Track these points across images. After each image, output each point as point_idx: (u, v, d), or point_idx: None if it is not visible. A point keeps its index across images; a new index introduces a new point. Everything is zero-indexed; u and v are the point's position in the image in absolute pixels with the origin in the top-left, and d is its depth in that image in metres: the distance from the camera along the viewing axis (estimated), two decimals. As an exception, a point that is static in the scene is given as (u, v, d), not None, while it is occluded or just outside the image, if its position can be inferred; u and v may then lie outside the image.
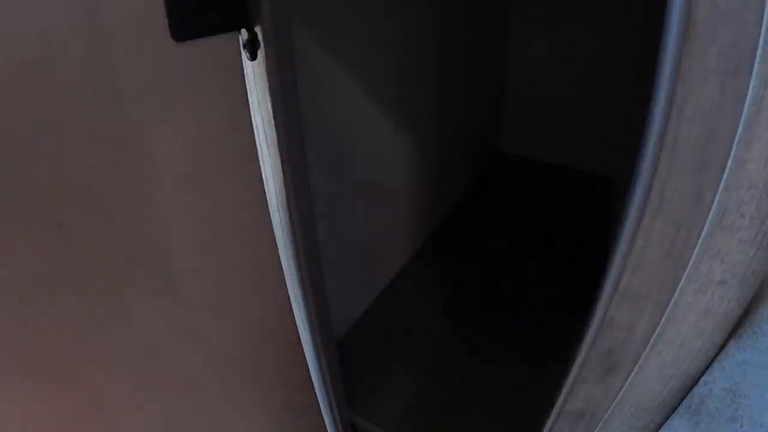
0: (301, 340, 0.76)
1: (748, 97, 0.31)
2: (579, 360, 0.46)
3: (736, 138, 0.32)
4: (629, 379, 0.45)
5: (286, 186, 0.52)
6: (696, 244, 0.36)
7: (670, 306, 0.39)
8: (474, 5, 1.17)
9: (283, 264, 0.64)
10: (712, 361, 0.43)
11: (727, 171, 0.33)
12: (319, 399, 0.80)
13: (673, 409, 0.47)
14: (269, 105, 0.46)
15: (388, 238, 1.07)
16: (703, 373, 0.44)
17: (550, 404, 0.53)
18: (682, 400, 0.46)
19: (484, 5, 1.24)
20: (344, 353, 0.93)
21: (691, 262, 0.37)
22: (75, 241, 0.42)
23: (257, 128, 0.49)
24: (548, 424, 0.54)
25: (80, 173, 0.41)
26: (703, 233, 0.36)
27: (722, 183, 0.34)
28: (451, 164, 1.29)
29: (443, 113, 1.15)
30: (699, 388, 0.44)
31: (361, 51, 0.79)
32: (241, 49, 0.43)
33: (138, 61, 0.41)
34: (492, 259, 1.17)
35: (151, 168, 0.47)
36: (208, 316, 0.60)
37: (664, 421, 0.49)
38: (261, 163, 0.52)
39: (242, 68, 0.46)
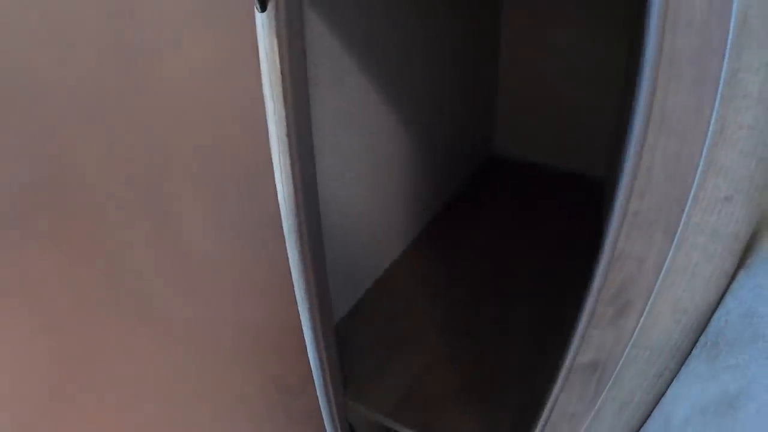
0: (301, 322, 0.75)
1: (734, 8, 0.32)
2: (589, 304, 0.46)
3: (727, 47, 0.33)
4: (641, 319, 0.45)
5: (290, 147, 0.53)
6: (700, 159, 0.37)
7: (679, 230, 0.39)
8: (468, 7, 1.21)
9: (285, 235, 0.64)
10: (724, 293, 0.43)
11: (722, 82, 0.34)
12: (315, 381, 0.78)
13: (687, 353, 0.47)
14: (277, 59, 0.47)
15: (386, 227, 1.07)
16: (716, 306, 0.44)
17: (560, 360, 0.53)
18: (696, 341, 0.46)
19: (477, 7, 1.28)
20: (341, 338, 0.92)
21: (696, 180, 0.37)
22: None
23: (266, 83, 0.50)
24: (558, 382, 0.53)
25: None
26: (705, 147, 0.36)
27: (719, 94, 0.35)
28: (445, 162, 1.31)
29: (439, 113, 1.18)
30: (714, 324, 0.44)
31: (363, 43, 0.82)
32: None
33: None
34: (486, 252, 1.17)
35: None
36: (209, 275, 0.59)
37: (679, 368, 0.48)
38: (267, 121, 0.53)
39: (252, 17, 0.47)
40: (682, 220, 0.39)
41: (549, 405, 0.56)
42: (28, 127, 0.39)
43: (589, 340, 0.48)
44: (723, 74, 0.34)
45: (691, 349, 0.47)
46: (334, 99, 0.78)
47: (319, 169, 0.79)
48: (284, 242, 0.66)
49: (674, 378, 0.49)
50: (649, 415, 0.53)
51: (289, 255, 0.69)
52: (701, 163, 0.37)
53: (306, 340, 0.74)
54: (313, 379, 0.78)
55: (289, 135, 0.51)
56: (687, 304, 0.43)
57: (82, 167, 0.44)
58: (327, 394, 0.77)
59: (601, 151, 1.53)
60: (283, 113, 0.50)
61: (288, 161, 0.56)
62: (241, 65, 0.54)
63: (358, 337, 0.94)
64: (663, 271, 0.41)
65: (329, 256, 0.84)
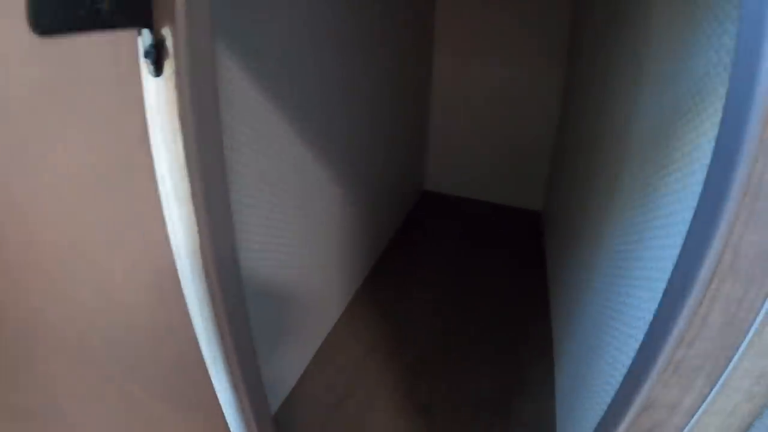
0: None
1: None
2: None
3: None
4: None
5: (204, 260, 0.38)
6: (763, 304, 0.29)
7: (724, 375, 0.32)
8: (398, 48, 1.11)
9: (202, 344, 0.49)
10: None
11: None
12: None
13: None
14: (180, 142, 0.32)
15: (321, 293, 0.93)
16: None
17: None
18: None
19: (408, 47, 1.20)
20: (283, 428, 0.77)
21: (755, 325, 0.30)
22: None
23: (162, 177, 0.34)
24: None
25: None
26: (768, 290, 0.29)
27: None
28: (382, 205, 1.21)
29: (370, 160, 1.09)
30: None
31: (289, 95, 0.67)
32: (141, 58, 0.29)
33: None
34: (432, 303, 1.09)
35: None
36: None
37: None
38: (168, 223, 0.37)
39: (141, 86, 0.31)
40: (731, 366, 0.31)
41: None
42: None
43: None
44: None
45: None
46: (258, 163, 0.62)
47: (246, 244, 0.63)
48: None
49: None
50: None
51: (205, 348, 0.53)
52: (764, 308, 0.29)
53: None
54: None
55: (204, 257, 0.36)
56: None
57: None
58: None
59: (537, 185, 1.53)
60: (189, 195, 0.34)
61: (201, 266, 0.41)
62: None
63: (303, 426, 0.79)
64: (697, 414, 0.34)
65: (260, 338, 0.69)
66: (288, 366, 0.84)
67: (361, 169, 1.04)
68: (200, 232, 0.35)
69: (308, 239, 0.83)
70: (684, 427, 0.35)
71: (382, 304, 1.09)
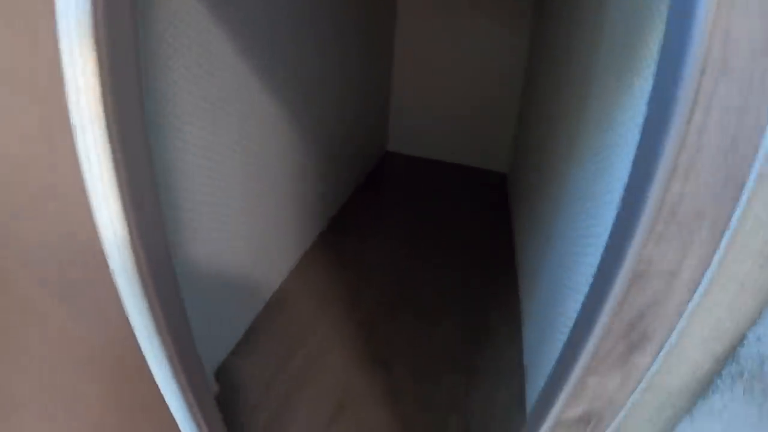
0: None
1: None
2: (592, 342, 0.31)
3: None
4: (662, 352, 0.31)
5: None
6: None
7: (732, 226, 0.26)
8: (363, 4, 1.09)
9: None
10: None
11: None
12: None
13: (706, 387, 0.34)
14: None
15: (274, 243, 0.88)
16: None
17: (538, 413, 0.38)
18: (720, 370, 0.33)
19: (375, 6, 1.20)
20: (227, 383, 0.70)
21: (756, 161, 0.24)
22: None
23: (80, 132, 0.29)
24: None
25: None
26: None
27: None
28: (341, 161, 1.16)
29: (333, 113, 1.06)
30: (751, 348, 0.31)
31: (259, 34, 0.63)
32: None
33: None
34: (390, 255, 1.04)
35: None
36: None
37: (691, 408, 0.35)
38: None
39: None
40: (738, 210, 0.26)
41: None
42: None
43: (583, 388, 0.34)
44: None
45: (711, 383, 0.34)
46: (205, 89, 0.57)
47: (190, 187, 0.58)
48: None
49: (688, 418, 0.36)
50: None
51: (124, 294, 0.46)
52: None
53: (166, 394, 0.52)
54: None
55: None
56: (728, 324, 0.30)
57: None
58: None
59: (503, 146, 1.49)
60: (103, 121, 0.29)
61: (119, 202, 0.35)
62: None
63: (250, 380, 0.73)
64: (706, 282, 0.28)
65: (205, 287, 0.63)
66: (234, 319, 0.79)
67: (322, 122, 1.00)
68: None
69: (261, 191, 0.78)
70: (685, 307, 0.29)
71: (338, 258, 1.04)
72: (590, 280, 0.33)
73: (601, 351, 0.31)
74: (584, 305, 0.31)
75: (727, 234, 0.26)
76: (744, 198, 0.25)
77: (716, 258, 0.27)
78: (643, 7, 0.44)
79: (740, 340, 0.32)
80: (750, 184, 0.25)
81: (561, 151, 0.77)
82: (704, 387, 0.34)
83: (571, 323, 0.36)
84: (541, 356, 0.67)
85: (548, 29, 1.03)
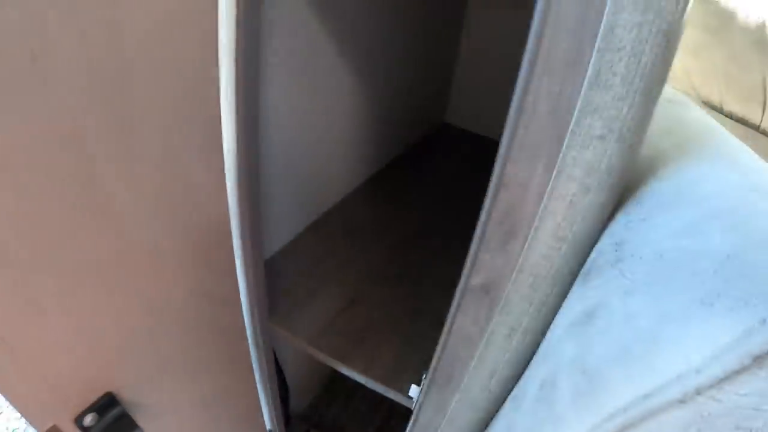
0: (234, 251, 0.79)
1: None
2: (481, 225, 0.51)
3: (606, 7, 0.38)
4: (526, 244, 0.50)
5: (237, 83, 0.56)
6: (577, 100, 0.42)
7: (558, 161, 0.45)
8: None
9: (225, 162, 0.68)
10: (603, 229, 0.49)
11: (599, 35, 0.39)
12: (241, 299, 0.82)
13: (569, 284, 0.53)
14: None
15: (328, 175, 1.12)
16: (594, 240, 0.49)
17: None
18: (577, 270, 0.52)
19: None
20: (273, 270, 0.96)
21: (574, 118, 0.42)
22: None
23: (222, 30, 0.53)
24: (455, 305, 0.58)
25: None
26: (583, 90, 0.41)
27: (596, 45, 0.39)
28: (396, 121, 1.36)
29: (395, 75, 1.23)
30: (591, 256, 0.50)
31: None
32: None
33: None
34: (423, 207, 1.25)
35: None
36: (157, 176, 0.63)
37: (561, 299, 0.54)
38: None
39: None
40: (561, 153, 0.44)
41: (447, 327, 0.62)
42: None
43: (481, 262, 0.53)
44: (601, 29, 0.39)
45: (573, 279, 0.53)
46: (289, 45, 0.80)
47: (271, 106, 0.82)
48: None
49: (558, 308, 0.55)
50: (537, 344, 0.60)
51: (227, 176, 0.72)
52: (578, 103, 0.42)
53: (236, 259, 0.77)
54: (240, 297, 0.82)
55: (237, 71, 0.54)
56: (566, 232, 0.49)
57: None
58: (251, 313, 0.82)
59: None
60: (234, 54, 0.53)
61: (233, 97, 0.60)
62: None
63: (289, 272, 0.98)
64: (545, 198, 0.47)
65: (269, 192, 0.87)
66: (289, 223, 1.04)
67: (384, 79, 1.19)
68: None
69: (320, 125, 1.01)
70: (536, 211, 0.48)
71: (376, 202, 1.26)
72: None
73: (488, 235, 0.51)
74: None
75: (557, 164, 0.45)
76: (565, 143, 0.44)
77: (549, 183, 0.46)
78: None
79: (584, 248, 0.50)
80: (568, 135, 0.43)
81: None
82: (564, 282, 0.53)
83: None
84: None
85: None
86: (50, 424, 0.65)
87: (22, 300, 0.56)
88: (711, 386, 0.31)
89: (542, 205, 0.48)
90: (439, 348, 0.66)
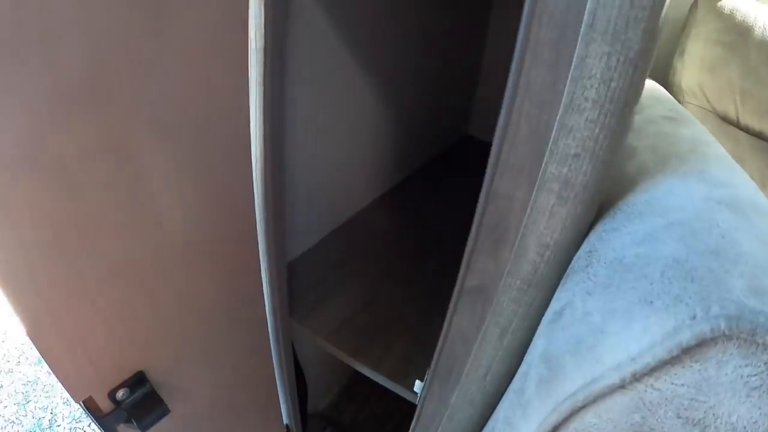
0: (259, 252, 0.86)
1: (587, 8, 0.42)
2: (473, 234, 0.57)
3: (579, 39, 0.43)
4: (513, 250, 0.56)
5: (264, 95, 0.64)
6: (554, 122, 0.47)
7: (539, 176, 0.50)
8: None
9: (253, 165, 0.76)
10: (582, 239, 0.54)
11: (573, 64, 0.45)
12: (264, 297, 0.90)
13: (554, 287, 0.58)
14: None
15: (352, 183, 1.19)
16: (576, 248, 0.55)
17: (454, 284, 0.64)
18: (560, 276, 0.57)
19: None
20: (295, 271, 1.03)
21: (551, 138, 0.48)
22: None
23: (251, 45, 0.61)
24: (452, 305, 0.64)
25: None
26: (559, 114, 0.47)
27: (569, 75, 0.45)
28: (419, 133, 1.42)
29: (418, 88, 1.29)
30: (571, 263, 0.55)
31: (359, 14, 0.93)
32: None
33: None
34: (442, 217, 1.30)
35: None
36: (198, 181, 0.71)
37: (548, 299, 0.59)
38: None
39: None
40: (541, 169, 0.50)
41: (446, 326, 0.68)
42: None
43: (475, 265, 0.59)
44: (574, 59, 0.44)
45: (557, 284, 0.58)
46: (311, 59, 0.88)
47: (298, 124, 0.89)
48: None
49: (544, 310, 0.60)
50: (527, 344, 0.65)
51: (254, 183, 0.80)
52: (556, 126, 0.47)
53: (260, 261, 0.85)
54: (263, 294, 0.89)
55: (264, 84, 0.62)
56: (548, 240, 0.54)
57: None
58: (273, 310, 0.89)
59: None
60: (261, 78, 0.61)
61: (261, 117, 0.68)
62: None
63: (310, 274, 1.05)
64: (528, 209, 0.52)
65: (294, 201, 0.95)
66: (309, 230, 1.11)
67: (408, 93, 1.25)
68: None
69: (344, 136, 1.08)
70: (522, 220, 0.54)
71: (397, 211, 1.32)
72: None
73: (481, 240, 0.57)
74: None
75: (538, 179, 0.51)
76: (544, 161, 0.49)
77: (532, 196, 0.51)
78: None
79: (566, 256, 0.55)
80: (547, 154, 0.49)
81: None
82: (549, 285, 0.58)
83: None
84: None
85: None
86: (87, 395, 0.73)
87: (73, 285, 0.64)
88: (645, 374, 0.36)
89: (526, 215, 0.53)
90: (439, 346, 0.71)
